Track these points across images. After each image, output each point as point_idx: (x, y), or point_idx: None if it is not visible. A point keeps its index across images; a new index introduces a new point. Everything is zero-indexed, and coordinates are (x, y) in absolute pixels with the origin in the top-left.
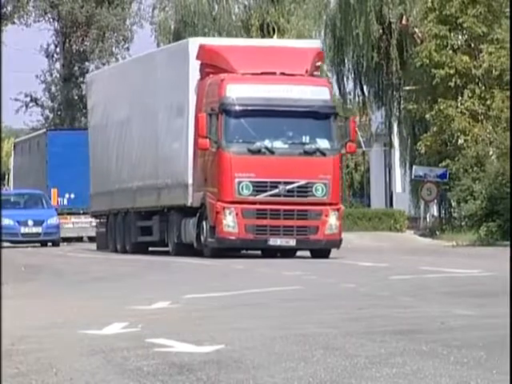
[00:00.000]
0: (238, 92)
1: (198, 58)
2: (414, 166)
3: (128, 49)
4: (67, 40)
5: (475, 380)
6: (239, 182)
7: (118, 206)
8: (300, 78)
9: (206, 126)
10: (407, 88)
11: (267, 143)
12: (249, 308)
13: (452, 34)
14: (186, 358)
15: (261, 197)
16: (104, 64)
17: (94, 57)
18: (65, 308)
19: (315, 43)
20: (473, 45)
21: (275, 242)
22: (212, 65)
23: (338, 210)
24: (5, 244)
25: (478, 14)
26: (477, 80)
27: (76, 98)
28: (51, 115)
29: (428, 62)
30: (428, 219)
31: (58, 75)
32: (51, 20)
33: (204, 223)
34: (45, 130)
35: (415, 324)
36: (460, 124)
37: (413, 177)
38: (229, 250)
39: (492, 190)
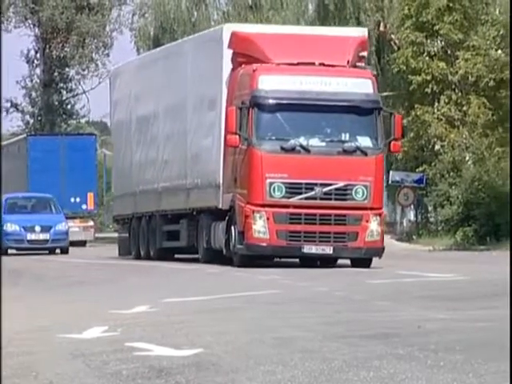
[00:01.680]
0: (271, 84)
1: (229, 46)
2: (390, 171)
3: (108, 55)
4: (47, 46)
5: (451, 383)
6: (271, 183)
7: (141, 209)
8: (340, 69)
9: (236, 120)
10: (384, 94)
11: (302, 141)
12: (227, 312)
13: (428, 41)
14: (165, 361)
15: (294, 200)
16: (84, 70)
17: (74, 63)
18: (45, 312)
19: (359, 31)
20: (449, 51)
21: (310, 249)
22: (245, 54)
23: (379, 215)
24: (10, 251)
25: (454, 21)
26: (453, 86)
27: (56, 103)
28: (31, 120)
29: (405, 68)
30: (405, 224)
31: (39, 81)
32: (32, 26)
33: (233, 228)
34: (25, 135)
35: (392, 328)
36: (436, 130)
37: (390, 182)
38: (259, 257)
39: (468, 195)
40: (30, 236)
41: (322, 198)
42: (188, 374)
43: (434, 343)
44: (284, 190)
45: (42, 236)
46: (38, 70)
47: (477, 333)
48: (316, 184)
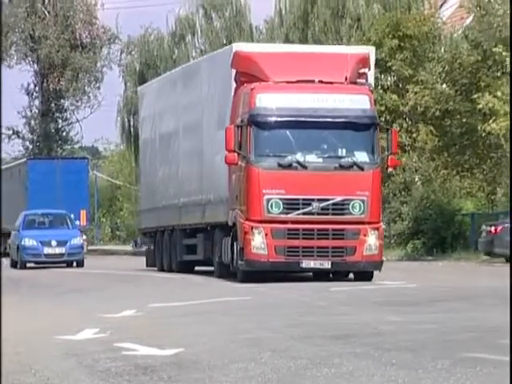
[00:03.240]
0: (268, 102)
1: (232, 65)
2: None
3: (99, 88)
4: (45, 80)
5: (403, 378)
6: (268, 200)
7: (164, 223)
8: (337, 86)
9: (234, 138)
10: None
11: (299, 157)
12: (205, 316)
13: (382, 76)
14: (150, 360)
15: (292, 215)
16: (77, 101)
17: (69, 95)
18: (42, 316)
19: (361, 49)
20: (400, 85)
21: (308, 264)
22: (247, 73)
23: (377, 229)
24: (29, 265)
25: (405, 58)
26: (404, 116)
27: (53, 130)
28: (31, 146)
29: None
30: None
31: (37, 111)
32: (31, 62)
33: (235, 244)
34: (25, 159)
35: (351, 329)
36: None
37: None
38: (261, 273)
39: (417, 212)
40: (47, 250)
41: (319, 213)
42: (170, 371)
43: (387, 343)
44: (282, 205)
45: (58, 250)
46: (36, 102)
47: (425, 334)
48: (313, 199)
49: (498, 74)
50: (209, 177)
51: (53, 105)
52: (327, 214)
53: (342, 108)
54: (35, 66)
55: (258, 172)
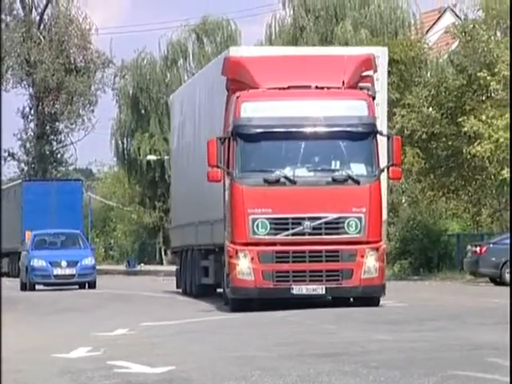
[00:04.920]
0: (253, 111)
1: (223, 72)
2: None
3: (93, 111)
4: (40, 103)
5: None
6: (254, 220)
7: (186, 242)
8: (332, 91)
9: (217, 153)
10: None
11: (288, 171)
12: (195, 334)
13: None
14: (142, 377)
15: (281, 236)
16: (72, 124)
17: (64, 118)
18: (38, 335)
19: (365, 50)
20: (387, 108)
21: (300, 290)
22: (237, 80)
23: (377, 249)
24: (38, 287)
25: (392, 82)
26: None
27: (48, 153)
28: (26, 168)
29: None
30: None
31: (32, 133)
32: (27, 86)
33: (223, 269)
34: (20, 180)
35: (339, 348)
36: None
37: None
38: (247, 301)
39: (404, 232)
40: (57, 271)
41: (311, 234)
42: None
43: (375, 361)
44: (269, 226)
45: (69, 271)
46: (32, 124)
47: (412, 352)
48: (304, 218)
49: (483, 97)
50: (216, 193)
51: (48, 127)
52: (320, 234)
53: (335, 116)
54: (31, 89)
55: (242, 189)
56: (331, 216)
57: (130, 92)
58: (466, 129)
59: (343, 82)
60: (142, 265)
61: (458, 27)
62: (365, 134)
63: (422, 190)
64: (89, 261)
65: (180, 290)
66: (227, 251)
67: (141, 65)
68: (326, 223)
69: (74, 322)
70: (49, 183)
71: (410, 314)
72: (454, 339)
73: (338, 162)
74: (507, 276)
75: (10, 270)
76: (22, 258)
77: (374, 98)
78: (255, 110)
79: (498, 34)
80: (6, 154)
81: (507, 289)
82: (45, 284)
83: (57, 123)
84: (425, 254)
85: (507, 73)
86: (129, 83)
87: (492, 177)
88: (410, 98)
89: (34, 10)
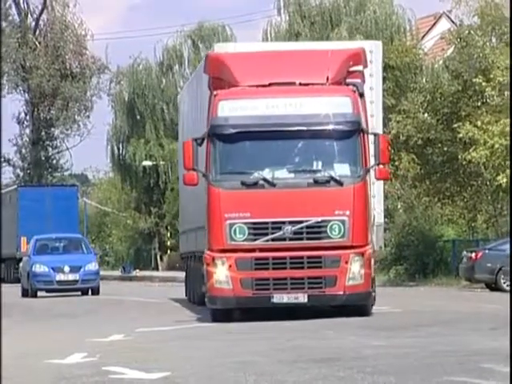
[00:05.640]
0: (231, 110)
1: (204, 70)
2: None
3: (88, 117)
4: (36, 109)
5: None
6: (231, 225)
7: (190, 249)
8: (315, 87)
9: (192, 155)
10: None
11: (267, 173)
12: (191, 340)
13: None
14: (137, 383)
15: (260, 242)
16: (67, 130)
17: (59, 123)
18: (33, 341)
19: (353, 44)
20: (383, 114)
21: (281, 299)
22: (219, 78)
23: (362, 254)
24: (40, 293)
25: (388, 88)
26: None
27: (43, 158)
28: (21, 173)
29: None
30: None
31: (28, 139)
32: (22, 92)
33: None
34: (16, 186)
35: (335, 353)
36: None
37: None
38: (229, 311)
39: (400, 238)
40: (59, 277)
41: (291, 239)
42: None
43: (370, 367)
44: (247, 231)
45: (71, 276)
46: (27, 130)
47: (407, 358)
48: (284, 222)
49: (478, 103)
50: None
51: (43, 133)
52: (301, 239)
53: (317, 113)
54: (26, 95)
55: (218, 193)
56: (313, 220)
57: (126, 98)
58: (461, 135)
59: (327, 78)
60: (138, 270)
61: (454, 33)
62: (349, 133)
63: (417, 196)
64: (92, 266)
65: (187, 298)
66: (204, 258)
67: (136, 71)
68: (307, 227)
69: (69, 328)
70: (44, 189)
71: (405, 319)
72: (450, 345)
73: (320, 163)
74: (503, 282)
75: (6, 275)
76: (23, 263)
77: (361, 95)
78: (233, 109)
79: (494, 39)
80: (2, 160)
81: (503, 295)
82: (47, 290)
83: (52, 129)
84: (420, 259)
85: (502, 79)
86: (124, 89)
87: (487, 183)
88: (405, 104)
89: (29, 15)
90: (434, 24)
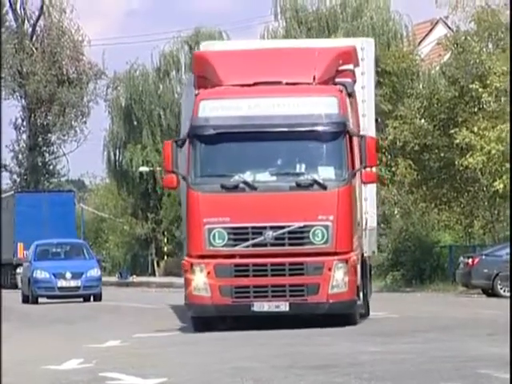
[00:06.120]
0: (213, 110)
1: (191, 69)
2: None
3: (85, 122)
4: (33, 115)
5: None
6: (210, 230)
7: None
8: (300, 87)
9: (172, 157)
10: None
11: (247, 176)
12: (188, 346)
13: None
14: None
15: (240, 248)
16: (64, 135)
17: (56, 129)
18: (30, 346)
19: (344, 41)
20: (380, 120)
21: (261, 307)
22: (203, 77)
23: (346, 260)
24: (41, 300)
25: (385, 94)
26: (383, 150)
27: (40, 164)
28: (18, 179)
29: None
30: None
31: (25, 145)
32: (19, 97)
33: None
34: (13, 192)
35: (331, 359)
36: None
37: None
38: (218, 318)
39: (397, 244)
40: (61, 283)
41: (273, 244)
42: None
43: (367, 373)
44: (226, 236)
45: (73, 283)
46: (24, 136)
47: (404, 364)
48: (265, 227)
49: (475, 109)
50: None
51: (40, 139)
52: (283, 245)
53: (301, 114)
54: (23, 101)
55: (197, 196)
56: (295, 225)
57: (123, 103)
58: (458, 140)
59: (314, 78)
60: (134, 276)
61: (450, 39)
62: (334, 134)
63: (414, 202)
64: (94, 272)
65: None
66: (182, 265)
67: (133, 76)
68: (289, 233)
69: (65, 334)
70: (41, 195)
71: (402, 325)
72: (447, 351)
73: (304, 165)
74: (499, 288)
75: (3, 281)
76: (24, 269)
77: (350, 95)
78: (214, 109)
79: (490, 45)
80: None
81: (499, 300)
82: (48, 297)
83: (49, 134)
84: (417, 265)
85: (499, 85)
86: (121, 95)
87: (484, 188)
88: (402, 110)
89: (26, 21)
90: (431, 30)
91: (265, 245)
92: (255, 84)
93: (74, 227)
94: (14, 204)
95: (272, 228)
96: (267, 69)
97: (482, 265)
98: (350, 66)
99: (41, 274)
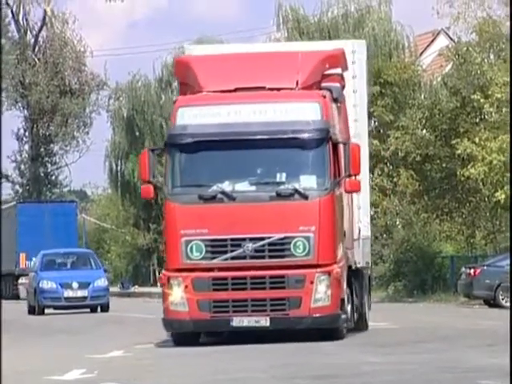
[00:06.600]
0: (191, 118)
1: (174, 74)
2: None
3: (87, 133)
4: (35, 125)
5: None
6: (187, 242)
7: None
8: (282, 93)
9: (149, 166)
10: None
11: (226, 186)
12: (189, 357)
13: None
14: None
15: (218, 260)
16: (66, 146)
17: (58, 140)
18: (32, 357)
19: (332, 44)
20: (382, 130)
21: (241, 322)
22: (185, 83)
23: (329, 273)
24: (47, 310)
25: (386, 104)
26: (385, 160)
27: (42, 174)
28: (20, 189)
29: None
30: None
31: (27, 155)
32: (21, 108)
33: None
34: (15, 202)
35: (333, 370)
36: (371, 198)
37: None
38: (189, 335)
39: (398, 254)
40: (68, 293)
41: (252, 257)
42: None
43: (368, 383)
44: (204, 249)
45: (80, 293)
46: (26, 146)
47: (406, 374)
48: (244, 239)
49: (476, 120)
50: None
51: (42, 149)
52: (263, 257)
53: (282, 121)
54: (25, 111)
55: (174, 207)
56: (275, 236)
57: (125, 114)
58: (459, 151)
59: (297, 82)
60: (136, 286)
61: (452, 50)
62: (315, 141)
63: (416, 212)
64: (101, 282)
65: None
66: (159, 278)
67: (135, 87)
68: (269, 244)
69: (67, 344)
70: (43, 205)
71: (403, 336)
72: (447, 361)
73: (284, 174)
74: (501, 298)
75: (5, 292)
76: (30, 279)
77: (336, 100)
78: (192, 117)
79: (492, 56)
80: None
81: (501, 311)
82: (55, 307)
83: (51, 145)
84: (419, 276)
85: (500, 95)
86: (123, 105)
87: (486, 199)
88: (404, 120)
89: (28, 32)
90: (433, 41)
91: (244, 257)
92: (237, 90)
93: (76, 237)
94: (16, 214)
95: (251, 240)
96: (250, 74)
97: (483, 275)
98: (338, 70)
99: (47, 285)
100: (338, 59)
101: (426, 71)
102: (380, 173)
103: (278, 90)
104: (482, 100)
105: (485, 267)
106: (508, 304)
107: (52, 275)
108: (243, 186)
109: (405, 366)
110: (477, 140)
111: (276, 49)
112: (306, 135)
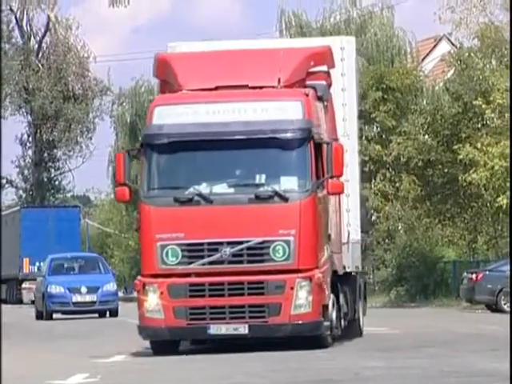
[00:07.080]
0: (168, 117)
1: (154, 73)
2: None
3: (91, 138)
4: (38, 130)
5: None
6: (163, 247)
7: None
8: (263, 91)
9: (124, 168)
10: None
11: (203, 188)
12: (190, 361)
13: (366, 127)
14: None
15: (195, 266)
16: (70, 151)
17: (62, 145)
18: (34, 361)
19: (325, 41)
20: (384, 136)
21: (218, 329)
22: (166, 81)
23: (310, 278)
24: (56, 315)
25: (388, 110)
26: (387, 166)
27: (45, 180)
28: (24, 195)
29: None
30: None
31: (30, 160)
32: (25, 113)
33: None
34: (18, 207)
35: (332, 374)
36: (373, 203)
37: None
38: (173, 342)
39: (400, 259)
40: (76, 298)
41: (230, 262)
42: None
43: None
44: (180, 254)
45: (89, 298)
46: (30, 152)
47: (407, 379)
48: (222, 243)
49: (478, 125)
50: None
51: (46, 154)
52: (241, 262)
53: (262, 120)
54: (29, 117)
55: (149, 210)
56: (254, 240)
57: (128, 119)
58: (461, 156)
59: (279, 80)
60: None
61: (454, 55)
62: (296, 141)
63: (418, 217)
64: (110, 286)
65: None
66: (134, 285)
67: (138, 92)
68: (248, 249)
69: (70, 348)
70: (47, 210)
71: (405, 340)
72: (449, 366)
73: (264, 176)
74: (503, 303)
75: (8, 296)
76: (38, 284)
77: (320, 98)
78: (169, 116)
79: (494, 62)
80: (4, 181)
81: (503, 316)
82: (63, 312)
83: (55, 150)
84: (421, 280)
85: (502, 101)
86: (126, 111)
87: (488, 204)
88: (406, 126)
89: (32, 37)
90: (435, 46)
91: (222, 262)
92: (218, 88)
93: (80, 242)
94: (19, 219)
95: (229, 244)
96: (231, 72)
97: (485, 280)
98: (324, 68)
99: (55, 289)
100: (324, 56)
101: (428, 77)
102: (382, 178)
103: (261, 88)
104: (483, 105)
105: (487, 272)
106: (510, 309)
107: (60, 280)
108: (221, 188)
109: (407, 371)
110: (479, 145)
111: (260, 45)
112: (286, 135)
